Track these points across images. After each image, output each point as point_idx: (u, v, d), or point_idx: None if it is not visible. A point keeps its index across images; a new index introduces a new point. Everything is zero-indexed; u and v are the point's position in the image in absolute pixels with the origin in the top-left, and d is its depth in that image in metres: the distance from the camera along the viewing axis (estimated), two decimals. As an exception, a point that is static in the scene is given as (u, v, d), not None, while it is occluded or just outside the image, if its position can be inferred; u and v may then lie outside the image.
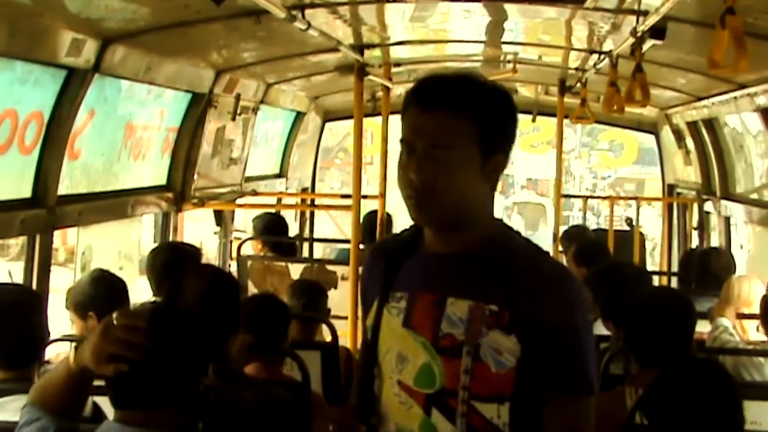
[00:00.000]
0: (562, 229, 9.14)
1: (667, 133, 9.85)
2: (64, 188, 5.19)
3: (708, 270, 6.39)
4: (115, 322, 2.73)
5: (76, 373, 2.81)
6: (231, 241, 8.59)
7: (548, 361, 2.64)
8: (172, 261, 5.26)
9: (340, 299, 7.10)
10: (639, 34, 4.77)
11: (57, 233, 5.24)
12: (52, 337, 4.14)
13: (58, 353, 4.81)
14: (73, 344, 4.73)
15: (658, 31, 4.79)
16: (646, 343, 4.00)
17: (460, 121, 2.62)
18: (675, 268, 9.00)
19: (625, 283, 4.83)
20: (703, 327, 5.28)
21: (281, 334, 4.67)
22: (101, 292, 4.72)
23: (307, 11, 4.97)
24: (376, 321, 2.80)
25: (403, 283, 2.78)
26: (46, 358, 4.36)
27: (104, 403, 3.24)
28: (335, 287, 7.54)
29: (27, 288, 4.64)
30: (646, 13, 4.65)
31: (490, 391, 2.65)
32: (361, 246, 7.15)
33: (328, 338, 5.81)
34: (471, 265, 2.69)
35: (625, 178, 22.95)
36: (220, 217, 8.49)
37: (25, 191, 4.92)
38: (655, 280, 9.21)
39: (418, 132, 2.65)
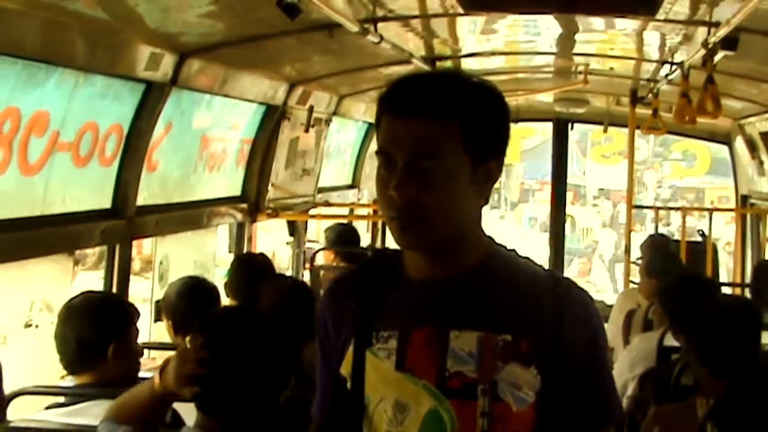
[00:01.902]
0: (635, 239, 9.10)
1: (740, 143, 9.77)
2: (142, 199, 5.30)
3: (780, 280, 6.32)
4: (188, 344, 2.81)
5: (160, 394, 2.88)
6: (304, 252, 8.68)
7: (573, 392, 2.28)
8: (247, 272, 5.36)
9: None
10: (710, 46, 4.76)
11: (134, 243, 5.35)
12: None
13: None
14: (156, 360, 4.86)
15: (730, 42, 4.79)
16: (716, 351, 3.98)
17: (444, 124, 2.22)
18: (748, 279, 8.93)
19: (695, 295, 4.81)
20: (776, 339, 5.24)
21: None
22: (191, 301, 4.82)
23: (380, 24, 5.03)
24: (357, 368, 2.32)
25: (387, 320, 2.31)
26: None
27: (182, 408, 3.31)
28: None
29: (103, 294, 4.72)
30: (717, 24, 4.64)
31: None
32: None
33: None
34: (472, 290, 2.29)
35: (685, 188, 22.74)
36: (293, 228, 8.59)
37: (105, 202, 5.03)
38: (728, 292, 9.16)
39: (396, 141, 2.22)
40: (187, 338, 2.84)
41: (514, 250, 2.41)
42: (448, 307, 2.28)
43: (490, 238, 2.39)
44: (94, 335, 3.68)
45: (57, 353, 3.70)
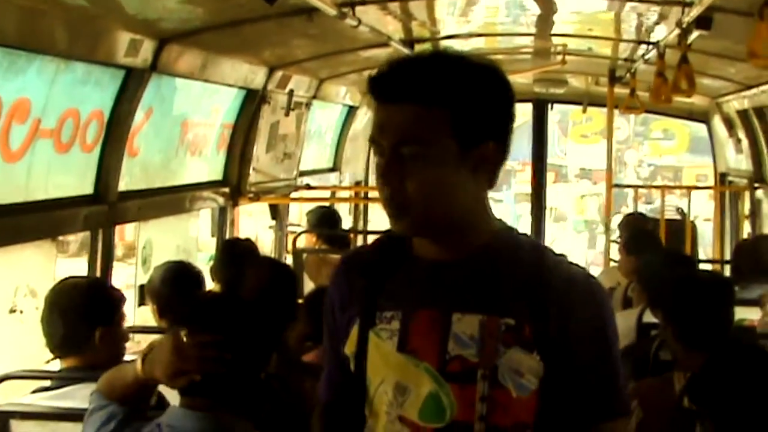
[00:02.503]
0: (614, 218, 9.17)
1: (718, 121, 9.83)
2: (124, 185, 5.32)
3: (759, 257, 6.38)
4: (184, 339, 2.85)
5: (144, 380, 2.92)
6: (286, 235, 8.71)
7: (579, 381, 2.22)
8: (231, 256, 5.40)
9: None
10: (684, 25, 4.81)
11: (116, 229, 5.38)
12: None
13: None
14: (141, 343, 4.90)
15: (704, 22, 4.83)
16: (691, 325, 4.03)
17: (427, 109, 2.14)
18: (728, 256, 9.01)
19: (673, 271, 4.86)
20: (754, 314, 5.31)
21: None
22: (175, 285, 4.86)
23: (358, 8, 5.07)
24: (360, 348, 2.29)
25: (392, 301, 2.27)
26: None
27: (167, 391, 3.35)
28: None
29: (88, 279, 4.73)
30: (691, 4, 4.69)
31: (512, 421, 2.19)
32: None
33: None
34: (476, 273, 2.24)
35: (664, 167, 22.81)
36: (275, 211, 8.62)
37: (87, 188, 5.06)
38: (708, 269, 9.23)
39: (382, 128, 2.19)
40: (183, 332, 2.88)
41: (525, 234, 2.37)
42: (452, 290, 2.23)
43: (500, 220, 2.34)
44: (82, 320, 3.71)
45: (44, 337, 3.73)
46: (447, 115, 2.15)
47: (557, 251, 2.35)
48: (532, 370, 2.18)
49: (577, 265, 2.33)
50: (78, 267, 5.37)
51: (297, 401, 3.29)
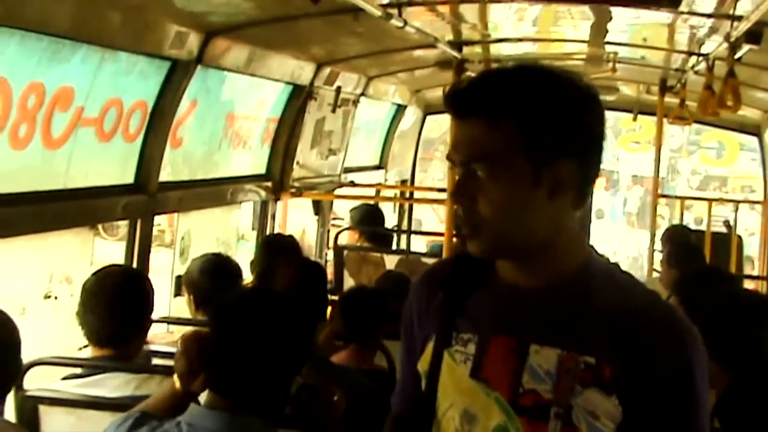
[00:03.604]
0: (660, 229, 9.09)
1: (770, 135, 9.74)
2: (165, 175, 5.36)
3: (803, 276, 6.32)
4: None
5: (182, 394, 2.95)
6: (328, 231, 8.73)
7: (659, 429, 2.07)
8: (271, 252, 5.42)
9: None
10: (732, 39, 4.77)
11: (165, 216, 5.40)
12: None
13: (155, 333, 4.97)
14: (174, 333, 4.92)
15: (753, 36, 4.78)
16: (725, 345, 3.99)
17: (497, 125, 2.04)
18: (773, 272, 8.92)
19: (712, 287, 4.81)
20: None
21: (376, 325, 4.77)
22: (213, 277, 4.88)
23: (405, 9, 5.05)
24: (433, 367, 2.21)
25: (470, 323, 2.19)
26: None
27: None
28: (429, 279, 7.59)
29: (132, 270, 4.76)
30: (740, 18, 4.64)
31: None
32: (454, 239, 7.20)
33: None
34: (559, 304, 2.12)
35: (711, 177, 22.67)
36: (318, 207, 8.64)
37: (128, 177, 5.09)
38: (752, 284, 9.13)
39: (455, 145, 2.12)
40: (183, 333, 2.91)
41: (616, 264, 2.24)
42: (532, 319, 2.12)
43: (591, 247, 2.23)
44: (129, 312, 3.76)
45: (81, 326, 3.75)
46: (516, 129, 2.04)
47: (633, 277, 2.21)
48: (609, 415, 2.06)
49: (666, 302, 2.21)
50: (119, 250, 5.39)
51: (324, 414, 3.26)
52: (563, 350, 2.08)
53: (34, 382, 3.70)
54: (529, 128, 2.04)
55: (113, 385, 3.62)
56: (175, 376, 2.95)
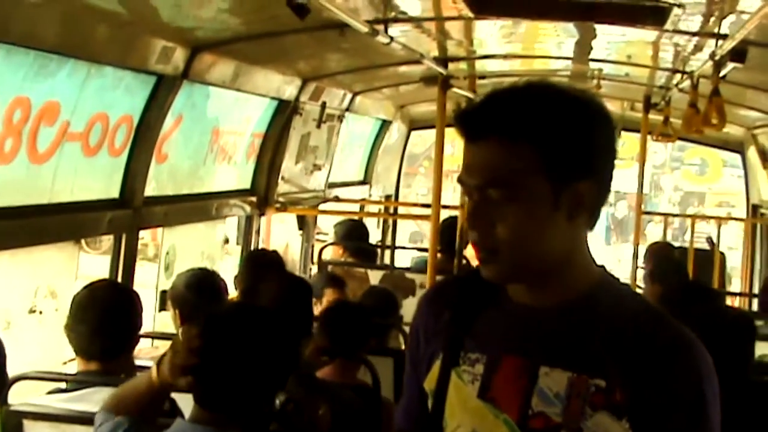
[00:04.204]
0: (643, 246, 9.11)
1: (752, 152, 9.79)
2: (150, 190, 5.36)
3: (784, 293, 6.36)
4: (180, 336, 2.86)
5: (158, 387, 2.92)
6: (313, 246, 8.74)
7: None
8: (255, 267, 5.42)
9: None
10: (717, 57, 4.79)
11: (148, 230, 5.41)
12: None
13: (140, 348, 4.96)
14: (159, 348, 4.91)
15: (738, 54, 4.80)
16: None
17: (515, 148, 1.99)
18: (756, 290, 8.94)
19: (694, 303, 4.83)
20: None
21: (359, 340, 4.78)
22: (199, 292, 4.88)
23: (391, 25, 5.07)
24: (440, 387, 2.16)
25: (478, 342, 2.14)
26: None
27: (181, 399, 3.36)
28: (413, 294, 7.61)
29: (123, 285, 4.76)
30: (725, 37, 4.67)
31: None
32: (438, 255, 7.22)
33: (403, 346, 5.91)
34: (570, 325, 2.07)
35: (691, 193, 22.84)
36: (302, 222, 8.65)
37: (113, 192, 5.10)
38: (735, 301, 9.18)
39: (468, 169, 2.05)
40: (181, 329, 2.90)
41: (626, 285, 2.20)
42: (542, 340, 2.08)
43: (602, 267, 2.17)
44: (119, 327, 3.75)
45: (70, 340, 3.74)
46: (534, 150, 1.99)
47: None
48: None
49: (676, 322, 2.12)
50: (104, 264, 5.39)
51: (309, 428, 3.26)
52: (573, 373, 2.03)
53: (19, 396, 3.68)
54: (548, 149, 2.00)
55: (98, 399, 3.58)
56: (155, 369, 2.91)
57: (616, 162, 2.12)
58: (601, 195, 2.08)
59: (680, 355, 2.02)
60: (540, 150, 1.99)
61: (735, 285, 11.20)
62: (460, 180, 2.08)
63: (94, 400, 3.60)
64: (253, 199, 7.14)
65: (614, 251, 20.72)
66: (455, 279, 2.52)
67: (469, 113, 2.06)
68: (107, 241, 7.86)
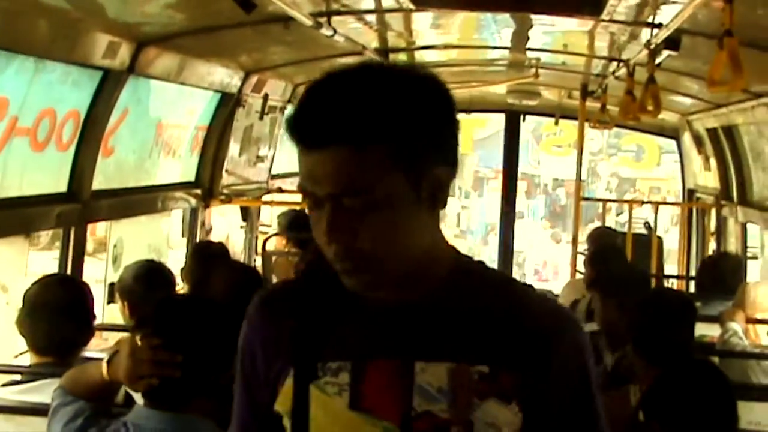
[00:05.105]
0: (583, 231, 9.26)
1: (687, 138, 9.95)
2: (97, 184, 5.38)
3: (720, 275, 6.47)
4: (138, 342, 2.90)
5: (109, 383, 2.97)
6: (256, 237, 8.77)
7: (559, 428, 1.94)
8: (202, 259, 5.46)
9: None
10: (653, 46, 4.91)
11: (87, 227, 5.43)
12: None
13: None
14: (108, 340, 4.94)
15: (672, 43, 4.93)
16: (649, 340, 4.13)
17: (365, 151, 1.78)
18: (693, 272, 9.11)
19: (630, 286, 4.93)
20: (715, 331, 5.42)
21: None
22: (147, 284, 4.91)
23: (334, 18, 5.14)
24: (298, 405, 1.92)
25: (337, 349, 1.92)
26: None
27: (133, 390, 3.41)
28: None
29: (76, 280, 4.74)
30: (660, 26, 4.79)
31: None
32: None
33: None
34: (439, 314, 1.91)
35: (626, 179, 23.13)
36: (246, 213, 8.68)
37: (62, 186, 5.12)
38: (674, 284, 9.34)
39: (313, 178, 1.81)
40: (137, 336, 2.93)
41: (482, 262, 2.04)
42: (412, 335, 1.91)
43: (454, 248, 2.01)
44: (72, 321, 3.75)
45: (24, 336, 3.73)
46: (386, 149, 1.79)
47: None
48: (510, 424, 1.89)
49: (553, 300, 2.07)
50: (49, 259, 5.40)
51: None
52: (452, 363, 1.89)
53: (-28, 391, 3.70)
54: (400, 144, 1.80)
55: (51, 391, 3.63)
56: (105, 367, 2.95)
57: (458, 140, 1.93)
58: (454, 173, 1.90)
59: (563, 336, 1.94)
60: (392, 147, 1.80)
61: (671, 269, 11.38)
62: (303, 189, 1.85)
63: (48, 391, 3.58)
64: (198, 191, 7.18)
65: (554, 238, 20.93)
66: (291, 282, 2.31)
67: (306, 120, 1.82)
68: (45, 236, 7.85)
